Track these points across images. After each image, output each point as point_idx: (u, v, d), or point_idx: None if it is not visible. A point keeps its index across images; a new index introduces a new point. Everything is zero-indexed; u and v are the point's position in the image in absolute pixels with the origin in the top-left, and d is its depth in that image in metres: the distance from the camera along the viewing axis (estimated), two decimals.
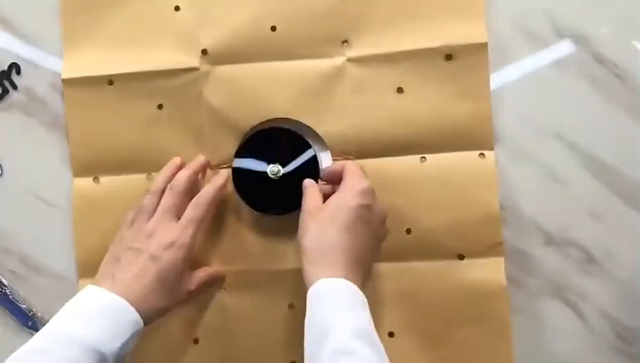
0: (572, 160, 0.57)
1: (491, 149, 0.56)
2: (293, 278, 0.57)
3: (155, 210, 0.53)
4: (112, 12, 0.59)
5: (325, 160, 0.57)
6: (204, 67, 0.58)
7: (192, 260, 0.54)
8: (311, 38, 0.57)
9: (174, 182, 0.54)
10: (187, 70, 0.58)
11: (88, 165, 0.59)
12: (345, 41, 0.57)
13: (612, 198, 0.57)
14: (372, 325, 0.47)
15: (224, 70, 0.58)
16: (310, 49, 0.57)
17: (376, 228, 0.52)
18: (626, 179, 0.57)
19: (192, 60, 0.58)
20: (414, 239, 0.57)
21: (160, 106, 0.59)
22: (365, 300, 0.48)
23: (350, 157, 0.57)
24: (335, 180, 0.54)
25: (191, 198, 0.54)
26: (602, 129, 0.57)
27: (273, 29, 0.58)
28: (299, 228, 0.51)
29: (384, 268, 0.57)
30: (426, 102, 0.57)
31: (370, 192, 0.52)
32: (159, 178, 0.55)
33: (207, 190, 0.55)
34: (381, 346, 0.46)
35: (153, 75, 0.58)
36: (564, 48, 0.57)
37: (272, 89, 0.58)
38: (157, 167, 0.57)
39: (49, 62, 0.60)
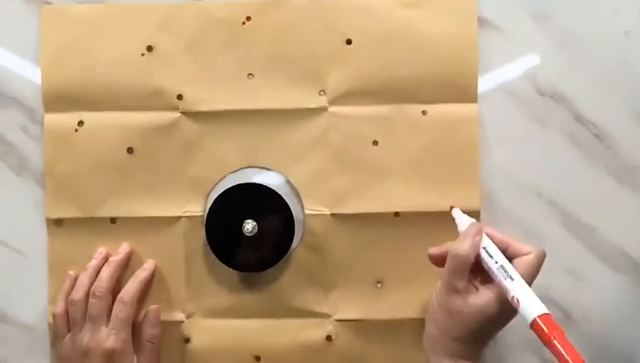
0: (552, 218, 0.59)
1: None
2: (259, 330, 0.59)
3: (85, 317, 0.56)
4: (86, 53, 0.59)
5: (300, 218, 0.58)
6: (179, 112, 0.59)
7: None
8: (288, 86, 0.58)
9: (96, 285, 0.56)
10: (161, 114, 0.59)
11: (60, 209, 0.59)
12: (322, 90, 0.58)
13: (589, 257, 0.59)
14: None
15: (199, 115, 0.59)
16: (288, 97, 0.58)
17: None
18: (603, 238, 0.59)
19: (167, 103, 0.59)
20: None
21: (130, 150, 0.59)
22: None
23: (325, 211, 0.58)
24: None
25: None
26: (581, 188, 0.59)
27: (250, 76, 0.58)
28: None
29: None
30: (404, 154, 0.58)
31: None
32: (80, 284, 0.57)
33: (131, 287, 0.57)
34: None
35: (124, 117, 0.59)
36: (545, 107, 0.58)
37: (249, 136, 0.59)
38: (126, 213, 0.58)
39: (18, 105, 0.60)
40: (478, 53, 0.58)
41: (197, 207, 0.59)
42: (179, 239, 0.59)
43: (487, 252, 0.50)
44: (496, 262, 0.49)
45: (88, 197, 0.59)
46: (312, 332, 0.58)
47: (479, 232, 0.51)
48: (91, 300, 0.56)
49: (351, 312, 0.58)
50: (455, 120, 0.58)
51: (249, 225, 0.57)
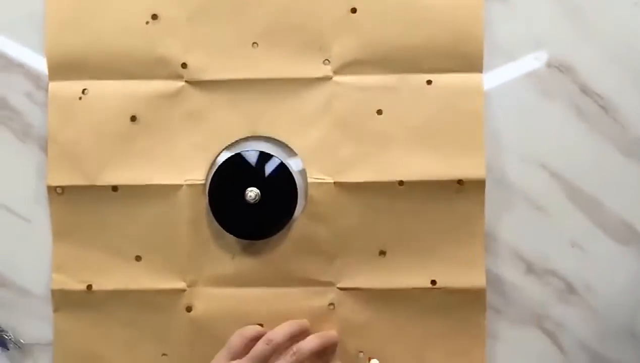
0: (556, 189, 0.59)
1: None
2: (262, 298, 0.59)
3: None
4: (91, 21, 0.60)
5: (302, 184, 0.59)
6: (183, 81, 0.59)
7: None
8: (293, 55, 0.59)
9: (299, 349, 0.55)
10: (165, 83, 0.59)
11: (62, 177, 0.60)
12: (327, 60, 0.59)
13: (593, 229, 0.59)
14: None
15: (204, 84, 0.59)
16: (292, 66, 0.59)
17: None
18: (609, 211, 0.59)
19: (171, 72, 0.59)
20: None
21: (133, 118, 0.59)
22: None
23: (328, 180, 0.58)
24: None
25: None
26: (586, 160, 0.59)
27: (255, 45, 0.59)
28: None
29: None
30: (408, 123, 0.59)
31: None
32: (283, 334, 0.56)
33: None
34: None
35: (128, 85, 0.59)
36: (551, 78, 0.59)
37: (252, 105, 0.59)
38: (128, 181, 0.59)
39: (23, 71, 0.61)
40: (483, 22, 0.58)
41: (199, 176, 0.59)
42: (180, 207, 0.59)
43: None
44: None
45: (90, 164, 0.60)
46: (315, 300, 0.59)
47: None
48: (289, 357, 0.55)
49: (354, 281, 0.59)
50: (460, 90, 0.58)
51: (252, 193, 0.57)
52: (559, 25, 0.59)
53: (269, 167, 0.58)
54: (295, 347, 0.55)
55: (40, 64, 0.60)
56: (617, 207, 0.59)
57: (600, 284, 0.59)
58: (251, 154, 0.58)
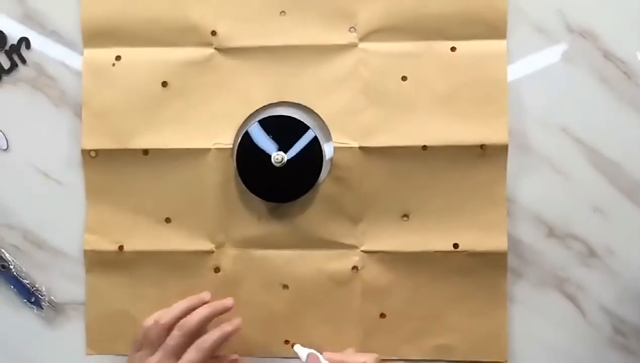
0: (578, 154, 0.60)
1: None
2: (287, 260, 0.61)
3: (160, 344, 0.56)
4: None
5: (329, 151, 0.60)
6: (212, 48, 0.61)
7: None
8: (320, 23, 0.60)
9: (185, 320, 0.56)
10: (196, 50, 0.61)
11: (95, 141, 0.62)
12: (353, 27, 0.60)
13: (615, 194, 0.60)
14: None
15: (232, 51, 0.61)
16: (319, 34, 0.60)
17: None
18: (630, 176, 0.60)
19: (201, 40, 0.61)
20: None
21: (164, 84, 0.61)
22: None
23: (353, 144, 0.60)
24: None
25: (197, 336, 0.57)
26: (608, 125, 0.60)
27: (282, 13, 0.60)
28: None
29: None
30: (432, 89, 0.60)
31: None
32: (172, 312, 0.57)
33: (213, 336, 0.56)
34: None
35: (160, 52, 0.61)
36: (574, 44, 0.60)
37: (280, 72, 0.61)
38: (158, 145, 0.61)
39: (59, 39, 0.63)
40: None
41: (227, 140, 0.61)
42: (208, 171, 0.61)
43: None
44: None
45: (122, 129, 0.62)
46: (338, 262, 0.61)
47: (316, 360, 0.57)
48: (174, 332, 0.56)
49: (377, 244, 0.60)
50: (484, 56, 0.59)
51: (278, 157, 0.59)
52: None
53: (296, 132, 0.59)
54: (180, 322, 0.56)
55: (74, 32, 0.62)
56: (638, 171, 0.60)
57: (621, 247, 0.60)
58: (278, 118, 0.60)
